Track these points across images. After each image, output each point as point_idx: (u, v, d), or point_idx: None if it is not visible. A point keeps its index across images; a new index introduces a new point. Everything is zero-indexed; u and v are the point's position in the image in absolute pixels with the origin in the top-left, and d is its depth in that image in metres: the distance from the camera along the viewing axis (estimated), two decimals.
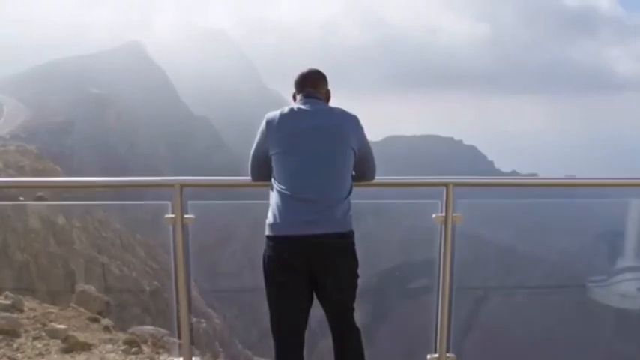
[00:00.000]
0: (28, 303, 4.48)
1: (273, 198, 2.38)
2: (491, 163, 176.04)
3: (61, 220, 13.56)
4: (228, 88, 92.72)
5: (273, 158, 2.41)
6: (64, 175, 19.67)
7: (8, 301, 4.18)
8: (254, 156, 2.51)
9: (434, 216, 2.97)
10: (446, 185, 2.95)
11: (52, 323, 3.91)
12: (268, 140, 2.42)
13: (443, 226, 2.96)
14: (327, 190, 2.32)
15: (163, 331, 4.40)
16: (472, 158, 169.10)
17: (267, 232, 2.35)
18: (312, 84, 2.55)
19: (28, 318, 4.04)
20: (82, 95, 48.98)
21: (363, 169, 2.58)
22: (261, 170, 2.50)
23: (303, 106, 2.46)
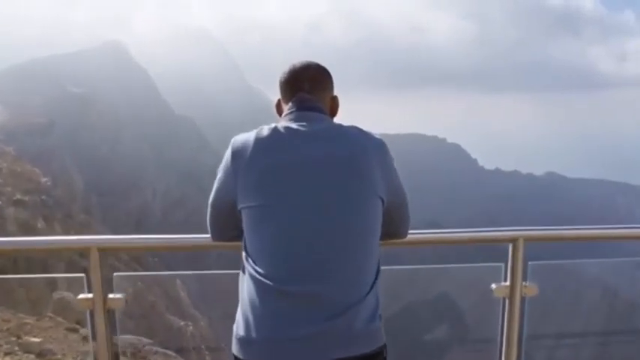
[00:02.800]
0: (2, 314, 4.27)
1: (245, 287, 1.41)
2: (475, 160, 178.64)
3: (40, 224, 13.19)
4: (212, 87, 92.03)
5: (243, 214, 1.46)
6: (44, 176, 19.16)
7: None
8: (213, 206, 1.57)
9: (494, 286, 2.11)
10: (513, 240, 2.07)
11: (27, 337, 3.72)
12: (235, 183, 1.47)
13: (509, 301, 2.10)
14: (339, 276, 1.36)
15: (146, 340, 4.24)
16: (456, 156, 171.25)
17: (235, 351, 1.42)
18: (310, 86, 1.58)
19: (0, 331, 3.84)
20: (62, 95, 48.09)
21: (395, 226, 1.64)
22: (226, 227, 1.58)
23: (294, 125, 1.50)
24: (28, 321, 4.70)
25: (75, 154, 41.14)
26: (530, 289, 2.12)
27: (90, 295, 1.97)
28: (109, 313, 1.99)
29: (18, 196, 14.32)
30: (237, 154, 1.49)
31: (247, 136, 1.50)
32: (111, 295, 1.99)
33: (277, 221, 1.38)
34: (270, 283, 1.35)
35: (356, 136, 1.51)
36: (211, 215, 1.61)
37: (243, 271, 1.45)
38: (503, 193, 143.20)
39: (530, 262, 2.11)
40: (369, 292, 1.38)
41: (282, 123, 1.54)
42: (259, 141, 1.47)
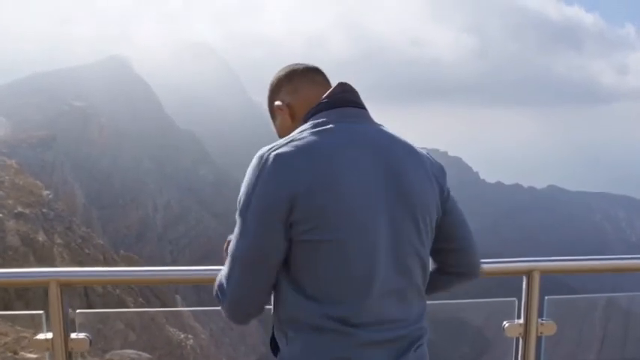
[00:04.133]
0: (0, 327, 4.23)
1: (298, 344, 1.14)
2: (477, 174, 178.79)
3: (41, 237, 13.17)
4: (214, 101, 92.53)
5: (305, 254, 1.13)
6: (45, 189, 19.19)
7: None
8: (248, 260, 1.14)
9: (507, 325, 1.86)
10: (528, 273, 1.84)
11: (23, 352, 3.66)
12: (299, 216, 1.10)
13: (523, 340, 1.85)
14: (414, 314, 1.21)
15: (145, 355, 4.19)
16: (458, 169, 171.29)
17: None
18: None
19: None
20: (65, 109, 48.37)
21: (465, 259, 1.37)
22: (262, 293, 1.18)
23: (357, 127, 1.20)
24: (25, 335, 4.63)
25: (76, 167, 41.23)
26: (548, 326, 1.87)
27: (49, 335, 1.74)
28: (70, 356, 1.75)
29: (19, 209, 14.32)
30: (294, 172, 1.12)
31: (292, 148, 1.14)
32: (73, 335, 1.75)
33: (362, 254, 1.14)
34: (351, 330, 1.12)
35: (412, 146, 1.30)
36: (243, 275, 1.15)
37: (281, 321, 1.18)
38: (505, 207, 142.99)
39: (546, 297, 1.88)
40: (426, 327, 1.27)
41: (339, 123, 1.19)
42: (328, 155, 1.15)
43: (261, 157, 1.13)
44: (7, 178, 17.42)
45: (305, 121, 1.23)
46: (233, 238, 1.17)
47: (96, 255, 15.95)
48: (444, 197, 1.28)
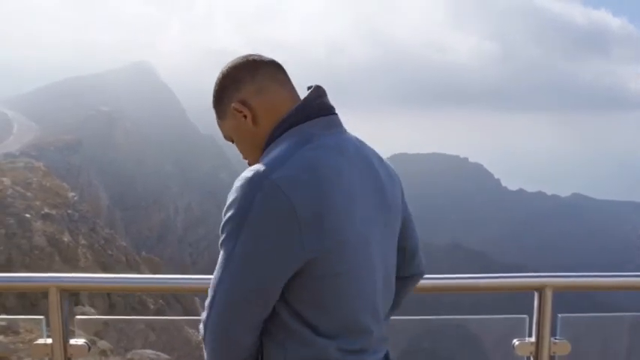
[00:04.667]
0: (25, 324, 4.37)
1: None
2: (498, 180, 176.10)
3: (66, 238, 13.53)
4: None
5: (313, 283, 1.02)
6: (71, 191, 19.71)
7: (3, 323, 4.04)
8: (242, 299, 1.00)
9: (517, 343, 1.78)
10: (539, 289, 1.76)
11: None
12: (310, 244, 0.98)
13: (534, 359, 1.78)
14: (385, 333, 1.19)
15: (164, 356, 4.27)
16: (478, 176, 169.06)
17: None
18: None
19: (22, 342, 3.88)
20: (91, 113, 49.53)
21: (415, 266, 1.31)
22: (253, 334, 1.05)
23: (345, 138, 1.11)
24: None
25: (101, 170, 42.17)
26: (561, 346, 1.75)
27: (49, 341, 1.72)
28: None
29: (46, 210, 14.75)
30: (300, 199, 0.97)
31: (296, 170, 0.99)
32: (72, 341, 1.73)
33: (364, 281, 1.08)
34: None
35: (376, 153, 1.22)
36: (233, 314, 1.00)
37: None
38: (527, 214, 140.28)
39: (559, 315, 1.80)
40: None
41: (325, 139, 1.06)
42: (330, 171, 1.02)
43: (254, 181, 0.97)
44: (35, 180, 17.96)
45: (281, 130, 1.07)
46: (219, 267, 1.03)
47: (118, 256, 16.29)
48: (405, 205, 1.22)
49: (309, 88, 1.12)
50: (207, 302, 1.02)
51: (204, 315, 1.03)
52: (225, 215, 0.99)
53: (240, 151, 1.17)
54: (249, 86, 1.10)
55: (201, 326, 1.03)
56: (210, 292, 1.02)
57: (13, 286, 2.48)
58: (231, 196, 0.99)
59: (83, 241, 14.77)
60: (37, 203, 15.07)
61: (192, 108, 72.65)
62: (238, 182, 1.00)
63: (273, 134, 1.08)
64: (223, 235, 1.00)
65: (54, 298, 1.70)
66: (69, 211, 16.07)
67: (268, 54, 1.15)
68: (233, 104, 1.11)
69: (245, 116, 1.11)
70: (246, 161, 1.16)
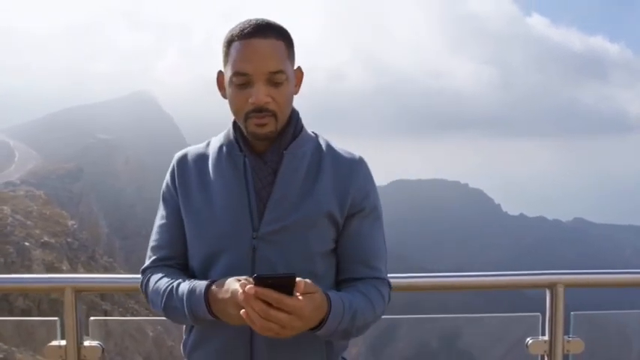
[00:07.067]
0: (22, 355, 4.31)
1: None
2: (499, 206, 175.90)
3: (65, 266, 13.45)
4: None
5: None
6: (71, 219, 19.68)
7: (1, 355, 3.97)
8: None
9: (530, 341, 1.77)
10: (551, 286, 1.75)
11: None
12: None
13: (548, 359, 1.76)
14: None
15: None
16: (478, 201, 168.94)
17: None
18: None
19: None
20: (91, 141, 49.90)
21: None
22: None
23: None
24: None
25: (101, 198, 42.17)
26: (575, 344, 1.74)
27: (63, 342, 1.70)
28: None
29: (45, 239, 14.70)
30: None
31: None
32: (86, 343, 1.72)
33: None
34: None
35: None
36: None
37: None
38: (528, 240, 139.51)
39: (572, 313, 1.78)
40: None
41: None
42: None
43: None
44: (35, 208, 17.96)
45: (297, 117, 1.17)
46: (378, 233, 1.18)
47: None
48: None
49: None
50: (383, 271, 1.16)
51: (386, 294, 1.14)
52: (374, 192, 1.17)
53: (278, 99, 1.07)
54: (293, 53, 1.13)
55: (385, 297, 1.15)
56: (383, 261, 1.17)
57: (30, 287, 2.49)
58: (371, 180, 1.17)
59: (82, 270, 14.67)
60: (37, 231, 15.03)
61: (191, 135, 73.29)
62: (366, 168, 1.17)
63: (298, 116, 1.17)
64: (378, 209, 1.18)
65: (69, 299, 1.69)
66: (68, 240, 16.01)
67: None
68: (298, 67, 1.14)
69: (298, 81, 1.14)
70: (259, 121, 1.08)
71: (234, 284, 0.97)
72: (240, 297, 0.92)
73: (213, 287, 1.01)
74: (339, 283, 1.15)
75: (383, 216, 1.20)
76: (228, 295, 0.97)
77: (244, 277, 0.99)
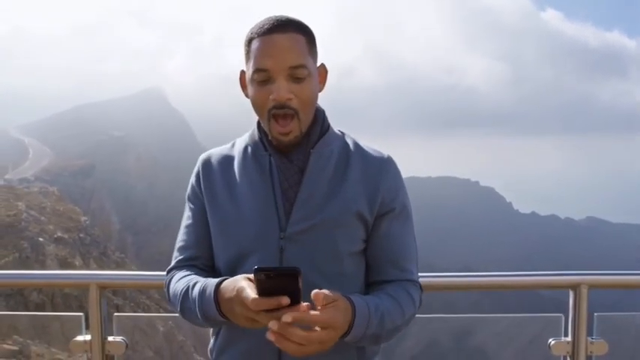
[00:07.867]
0: (37, 348, 4.37)
1: None
2: (510, 204, 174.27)
3: (77, 262, 13.60)
4: (244, 130, 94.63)
5: None
6: (83, 215, 19.89)
7: (15, 347, 4.06)
8: None
9: (553, 342, 1.75)
10: (574, 287, 1.73)
11: None
12: None
13: (571, 359, 1.74)
14: None
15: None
16: (489, 199, 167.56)
17: None
18: None
19: None
20: (103, 138, 50.38)
21: None
22: None
23: None
24: (60, 357, 4.76)
25: (113, 194, 42.57)
26: (598, 346, 1.72)
27: (87, 337, 1.73)
28: (107, 359, 1.75)
29: (59, 234, 14.88)
30: None
31: None
32: (110, 338, 1.74)
33: None
34: None
35: None
36: None
37: None
38: (540, 238, 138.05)
39: (595, 314, 1.76)
40: None
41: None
42: None
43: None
44: (48, 204, 18.19)
45: (323, 115, 1.14)
46: (409, 233, 1.16)
47: None
48: None
49: None
50: (414, 272, 1.14)
51: (416, 297, 1.12)
52: (403, 191, 1.16)
53: (300, 96, 1.04)
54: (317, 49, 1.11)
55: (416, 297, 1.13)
56: (414, 263, 1.15)
57: (55, 283, 2.55)
58: (400, 179, 1.16)
59: (94, 265, 14.83)
60: (51, 227, 15.22)
61: (202, 132, 73.69)
62: (395, 167, 1.16)
63: (324, 114, 1.15)
64: (408, 209, 1.16)
65: (94, 295, 1.72)
66: (81, 235, 16.18)
67: None
68: (322, 64, 1.12)
69: (323, 78, 1.12)
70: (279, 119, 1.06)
71: (240, 282, 0.93)
72: (274, 326, 0.86)
73: (222, 286, 0.98)
74: (369, 285, 1.13)
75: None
76: (234, 294, 0.93)
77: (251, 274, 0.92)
